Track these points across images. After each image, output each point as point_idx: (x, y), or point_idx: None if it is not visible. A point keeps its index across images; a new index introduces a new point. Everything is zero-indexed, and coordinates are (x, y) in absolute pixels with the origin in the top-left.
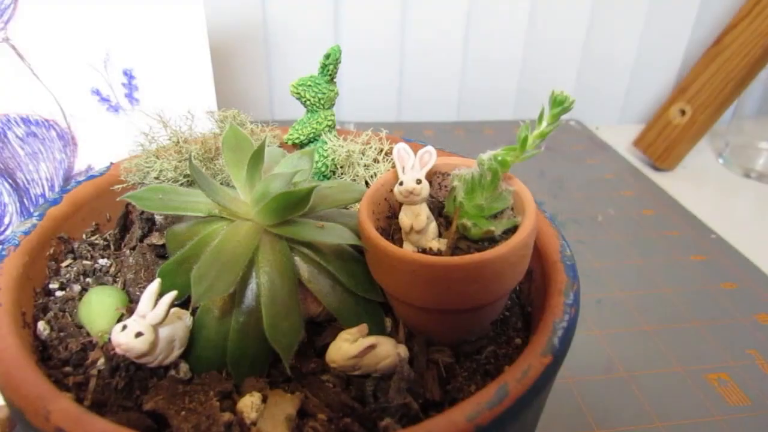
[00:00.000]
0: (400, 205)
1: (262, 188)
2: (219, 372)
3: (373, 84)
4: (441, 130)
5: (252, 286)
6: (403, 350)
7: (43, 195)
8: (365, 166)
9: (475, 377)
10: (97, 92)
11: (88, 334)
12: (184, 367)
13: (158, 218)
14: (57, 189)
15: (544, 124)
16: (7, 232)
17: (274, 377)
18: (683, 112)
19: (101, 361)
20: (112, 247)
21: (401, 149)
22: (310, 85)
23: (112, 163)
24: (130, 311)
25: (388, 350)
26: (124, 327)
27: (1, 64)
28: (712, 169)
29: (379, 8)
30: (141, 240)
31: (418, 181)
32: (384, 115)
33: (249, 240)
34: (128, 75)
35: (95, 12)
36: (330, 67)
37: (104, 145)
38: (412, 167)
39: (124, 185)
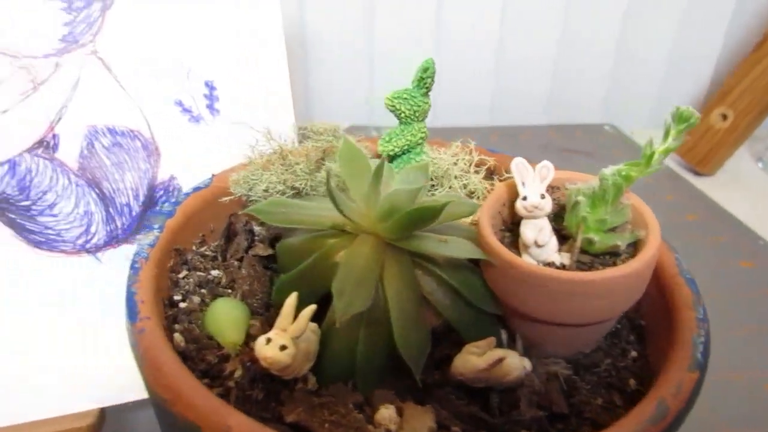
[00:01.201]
0: (512, 218)
1: (387, 204)
2: (344, 384)
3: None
4: (476, 135)
5: (379, 300)
6: (527, 363)
7: (128, 204)
8: (455, 177)
9: (599, 390)
10: (179, 103)
11: (219, 345)
12: (312, 379)
13: (257, 229)
14: (141, 198)
15: (670, 140)
16: (93, 241)
17: (399, 389)
18: (725, 117)
19: (238, 372)
20: (219, 258)
21: (520, 164)
22: (405, 98)
23: (213, 175)
24: (263, 324)
25: (514, 363)
26: (268, 340)
27: (89, 76)
28: (753, 174)
29: (413, 15)
30: (246, 251)
31: (542, 196)
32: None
33: (376, 254)
34: (209, 86)
35: (179, 24)
36: (428, 80)
37: (186, 155)
38: (533, 182)
39: (231, 197)
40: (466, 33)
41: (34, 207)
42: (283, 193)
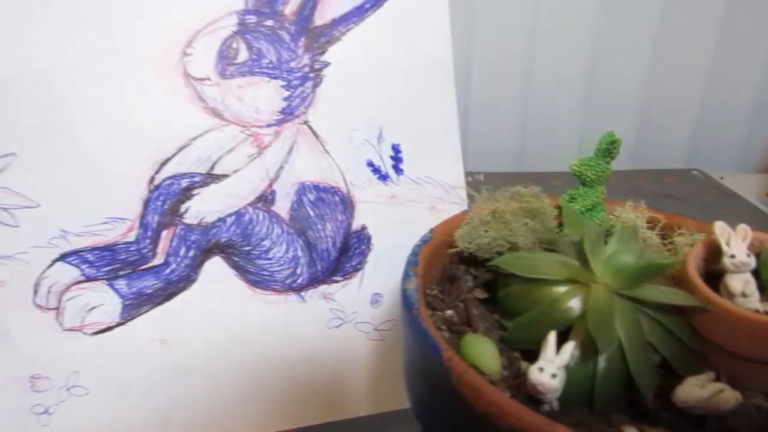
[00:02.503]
0: (706, 271)
1: (616, 260)
2: (579, 407)
3: (497, 136)
4: (567, 180)
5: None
6: (738, 395)
7: (327, 250)
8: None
9: None
10: (370, 163)
11: (482, 372)
12: (555, 402)
13: (466, 276)
14: (338, 245)
15: None
16: (298, 281)
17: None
18: None
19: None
20: (446, 300)
21: (722, 226)
22: (591, 165)
23: (432, 230)
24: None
25: (729, 395)
26: (541, 369)
27: (301, 141)
28: None
29: (503, 64)
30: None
31: (747, 255)
32: (508, 165)
33: (609, 301)
34: (395, 149)
35: (372, 98)
36: (614, 151)
37: (376, 208)
38: (736, 242)
39: (456, 249)
40: (553, 79)
41: (253, 251)
42: (502, 247)
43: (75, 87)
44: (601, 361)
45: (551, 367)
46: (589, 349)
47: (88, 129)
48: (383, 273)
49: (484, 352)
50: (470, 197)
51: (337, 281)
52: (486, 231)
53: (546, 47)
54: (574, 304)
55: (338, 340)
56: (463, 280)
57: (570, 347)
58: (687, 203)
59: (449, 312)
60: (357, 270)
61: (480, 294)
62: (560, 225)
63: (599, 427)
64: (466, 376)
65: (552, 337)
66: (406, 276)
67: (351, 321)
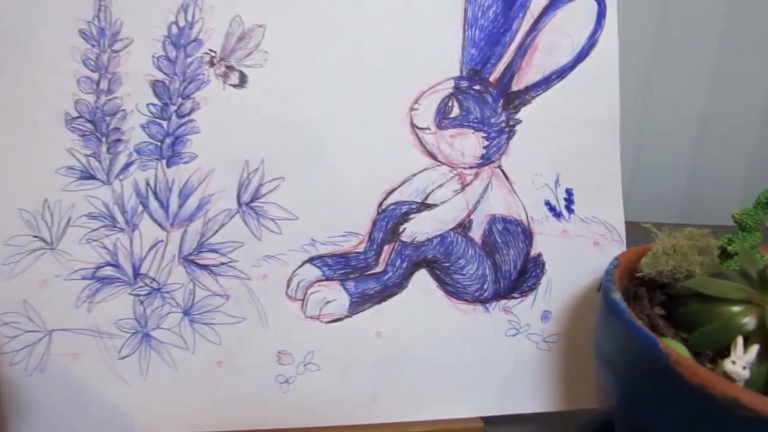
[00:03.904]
0: None
1: None
2: None
3: None
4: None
5: None
6: None
7: (509, 271)
8: None
9: None
10: (548, 203)
11: None
12: None
13: (644, 296)
14: (518, 268)
15: None
16: (484, 295)
17: None
18: None
19: None
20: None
21: None
22: (752, 215)
23: (617, 257)
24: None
25: None
26: (734, 362)
27: (494, 182)
28: None
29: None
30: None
31: None
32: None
33: None
34: (569, 192)
35: (554, 150)
36: None
37: (549, 240)
38: None
39: (641, 273)
40: (665, 126)
41: (451, 267)
42: (682, 274)
43: (331, 129)
44: None
45: (742, 361)
46: (762, 356)
47: (337, 162)
48: (553, 294)
49: (682, 350)
50: (654, 234)
51: (515, 297)
52: (667, 261)
53: (661, 86)
54: (749, 320)
55: (513, 347)
56: (644, 299)
57: (756, 348)
58: None
59: (639, 322)
60: (532, 290)
61: (659, 311)
62: (720, 260)
63: None
64: (682, 358)
65: (740, 339)
66: (610, 290)
67: (524, 332)
